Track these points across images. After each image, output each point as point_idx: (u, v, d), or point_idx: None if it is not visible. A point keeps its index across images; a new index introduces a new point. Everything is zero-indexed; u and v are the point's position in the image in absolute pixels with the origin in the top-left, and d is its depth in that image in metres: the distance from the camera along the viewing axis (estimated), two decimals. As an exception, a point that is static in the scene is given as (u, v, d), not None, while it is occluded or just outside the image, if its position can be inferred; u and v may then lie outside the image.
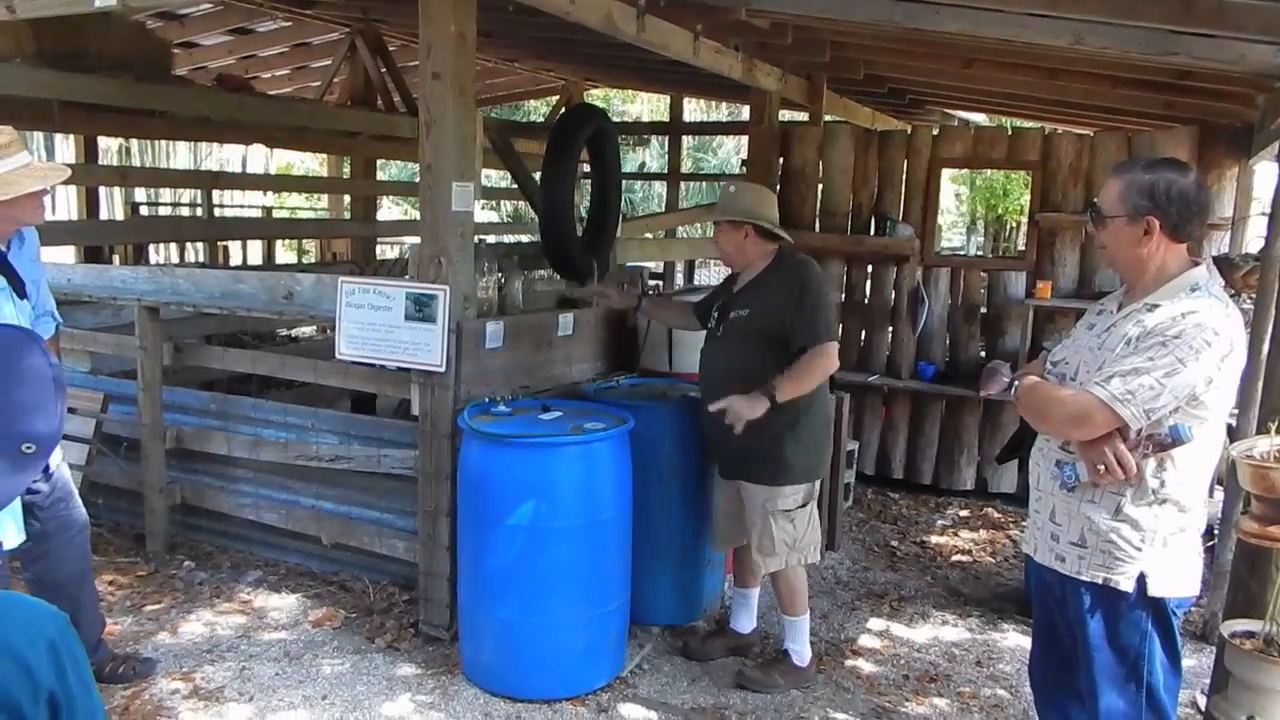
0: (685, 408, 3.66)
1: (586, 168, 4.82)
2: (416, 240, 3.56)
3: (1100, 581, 2.16)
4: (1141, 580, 2.12)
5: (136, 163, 13.24)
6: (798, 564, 3.24)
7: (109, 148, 12.26)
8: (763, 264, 3.28)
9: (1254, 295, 3.88)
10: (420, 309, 3.32)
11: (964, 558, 4.68)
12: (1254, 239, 5.05)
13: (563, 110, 7.75)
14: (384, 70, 7.30)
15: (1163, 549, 2.12)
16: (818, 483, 3.29)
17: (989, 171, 11.66)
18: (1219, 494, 4.62)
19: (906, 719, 3.16)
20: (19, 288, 2.77)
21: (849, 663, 3.52)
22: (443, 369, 3.30)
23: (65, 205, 11.10)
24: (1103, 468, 2.08)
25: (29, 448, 1.10)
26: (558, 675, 3.14)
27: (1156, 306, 2.10)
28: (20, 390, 1.11)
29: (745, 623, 3.55)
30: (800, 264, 3.26)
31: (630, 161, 14.81)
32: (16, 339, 1.16)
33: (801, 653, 3.32)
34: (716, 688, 3.28)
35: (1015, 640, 3.72)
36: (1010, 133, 5.75)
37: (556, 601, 3.09)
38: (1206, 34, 3.12)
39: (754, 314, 3.19)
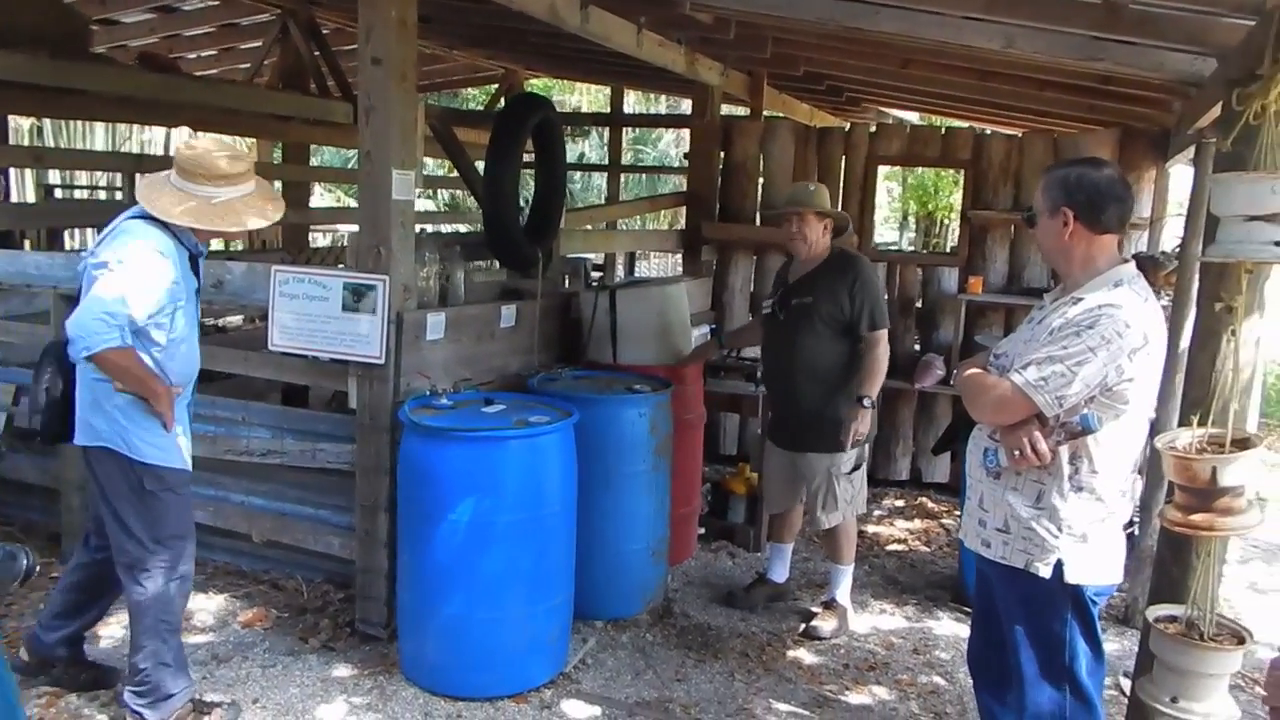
0: (629, 401, 3.65)
1: (530, 157, 4.75)
2: (350, 228, 3.47)
3: (1021, 566, 2.24)
4: (1059, 568, 2.20)
5: (50, 143, 12.64)
6: (852, 516, 3.73)
7: (19, 127, 11.67)
8: (823, 257, 3.68)
9: (1172, 293, 4.04)
10: (358, 299, 3.24)
11: (900, 547, 4.77)
12: (1170, 239, 5.26)
13: (508, 99, 7.64)
14: (317, 54, 7.09)
15: (1080, 538, 2.20)
16: (867, 446, 3.72)
17: (920, 170, 11.90)
18: (1139, 482, 4.81)
19: (847, 708, 3.21)
20: (199, 287, 2.84)
21: (790, 653, 3.56)
22: (382, 361, 3.23)
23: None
24: (1018, 453, 2.18)
25: None
26: (500, 672, 3.09)
27: (1080, 299, 2.19)
28: None
29: (781, 573, 4.00)
30: (856, 259, 3.72)
31: (570, 152, 14.68)
32: None
33: (846, 596, 3.81)
34: (660, 681, 3.28)
35: (950, 628, 3.81)
36: (944, 132, 5.87)
37: (499, 597, 3.04)
38: (1130, 41, 3.23)
39: (817, 302, 3.59)
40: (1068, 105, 5.23)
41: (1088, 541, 2.21)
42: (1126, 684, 3.20)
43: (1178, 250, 4.05)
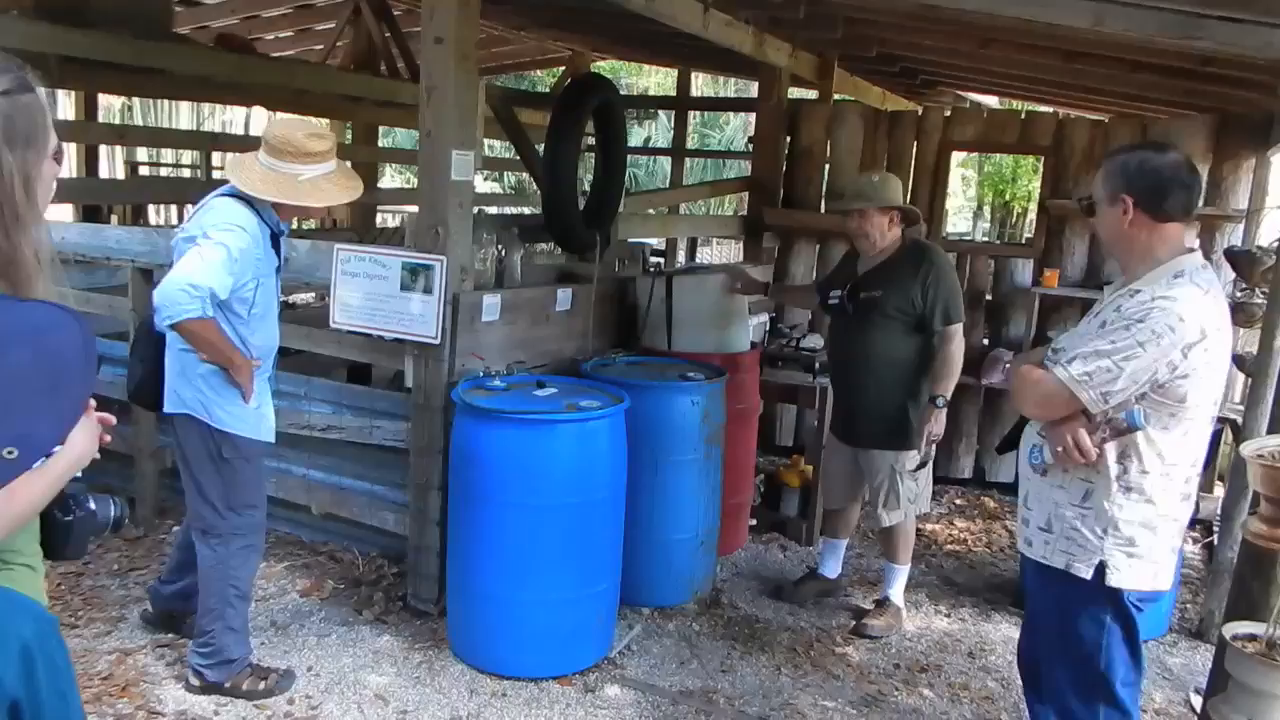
0: (682, 388, 3.61)
1: (591, 140, 4.73)
2: (416, 209, 3.49)
3: (1062, 566, 2.18)
4: (1101, 570, 2.13)
5: (139, 122, 13.09)
6: (913, 515, 3.62)
7: (111, 105, 12.10)
8: (893, 248, 3.52)
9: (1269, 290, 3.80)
10: (416, 279, 3.26)
11: (958, 547, 4.64)
12: (1269, 232, 4.95)
13: (569, 80, 7.63)
14: (388, 35, 7.17)
15: (1126, 541, 2.12)
16: (934, 446, 3.53)
17: (997, 156, 11.53)
18: (1219, 490, 4.58)
19: (896, 709, 3.13)
20: (279, 265, 2.92)
21: (839, 650, 3.49)
22: (437, 341, 3.25)
23: (66, 163, 10.97)
24: (1061, 449, 2.11)
25: (10, 453, 0.99)
26: (545, 654, 3.10)
27: (1138, 292, 2.09)
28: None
29: (833, 568, 3.91)
30: (929, 249, 3.55)
31: (636, 136, 14.64)
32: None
33: (900, 596, 3.70)
34: (705, 671, 3.25)
35: (1008, 633, 3.69)
36: (1023, 117, 5.65)
37: (545, 580, 3.05)
38: (1234, 18, 3.03)
39: (887, 295, 3.45)
40: (1162, 89, 4.95)
41: (1135, 545, 2.13)
42: (1197, 701, 3.07)
43: (1276, 245, 3.82)
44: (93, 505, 1.40)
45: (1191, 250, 2.15)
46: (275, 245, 2.86)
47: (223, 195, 2.78)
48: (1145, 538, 2.13)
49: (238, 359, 2.73)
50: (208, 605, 2.86)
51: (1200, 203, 2.18)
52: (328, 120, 8.79)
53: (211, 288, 2.61)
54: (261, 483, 2.96)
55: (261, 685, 2.90)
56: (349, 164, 2.91)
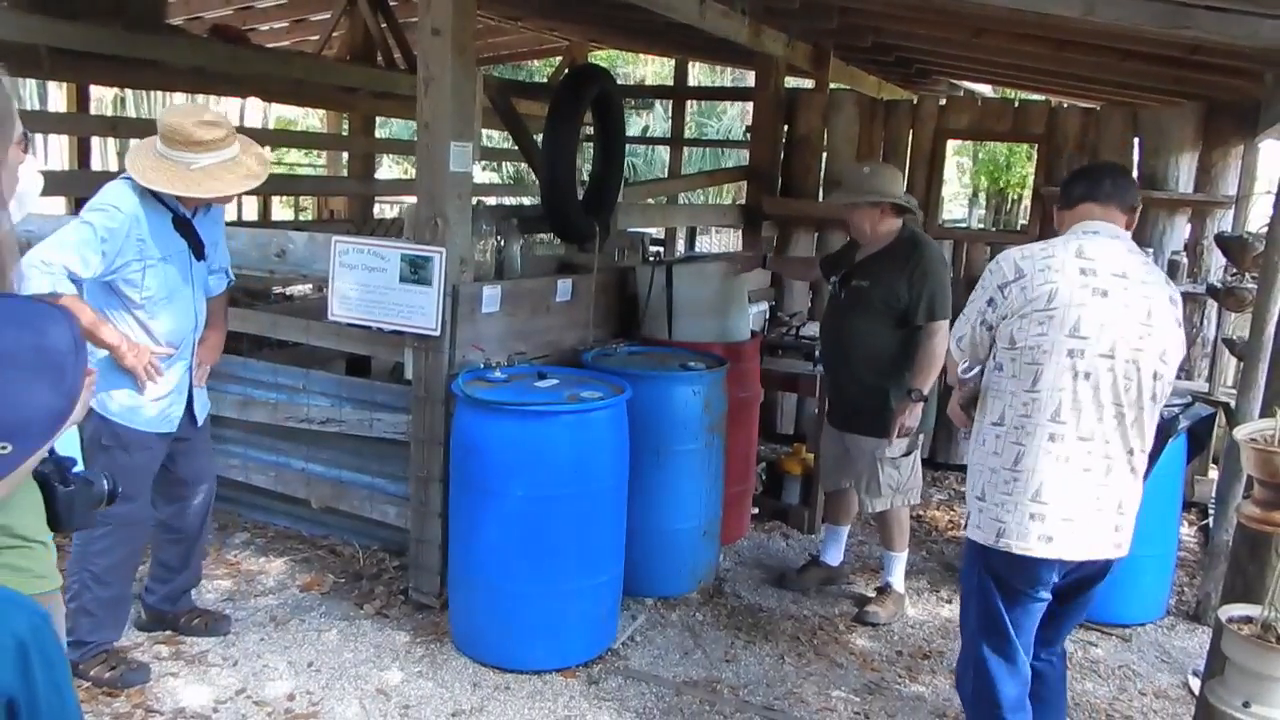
0: (683, 378, 3.61)
1: (589, 130, 4.71)
2: (414, 200, 3.48)
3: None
4: (969, 520, 2.32)
5: (132, 113, 12.99)
6: (902, 505, 3.60)
7: (103, 97, 12.01)
8: (888, 239, 3.52)
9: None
10: (415, 271, 3.25)
11: (960, 533, 4.65)
12: (1258, 218, 4.98)
13: (567, 71, 7.60)
14: (384, 26, 7.13)
15: (979, 495, 2.26)
16: (921, 435, 3.58)
17: (991, 144, 11.55)
18: (1214, 473, 4.60)
19: (900, 696, 3.14)
20: (198, 250, 2.86)
21: (842, 638, 3.50)
22: (437, 333, 3.24)
23: (58, 155, 10.90)
24: (949, 412, 2.41)
25: (3, 448, 0.97)
26: (548, 646, 3.10)
27: None
28: None
29: (835, 556, 3.91)
30: (921, 244, 3.51)
31: (633, 125, 14.59)
32: None
33: (900, 583, 3.70)
34: (709, 661, 3.26)
35: (1009, 619, 3.70)
36: (1016, 105, 5.66)
37: (548, 572, 3.05)
38: (1220, 8, 3.05)
39: (873, 286, 3.48)
40: (1151, 77, 4.97)
41: (983, 499, 2.25)
42: (1195, 683, 3.10)
43: (1266, 230, 3.83)
44: (87, 475, 1.43)
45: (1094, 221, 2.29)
46: (183, 230, 2.79)
47: (121, 178, 2.74)
48: (992, 492, 2.23)
49: (111, 339, 2.66)
50: (69, 582, 2.82)
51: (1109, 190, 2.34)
52: (324, 110, 8.75)
53: (65, 264, 2.54)
54: (140, 476, 2.86)
55: (108, 675, 2.85)
56: (252, 157, 2.82)
